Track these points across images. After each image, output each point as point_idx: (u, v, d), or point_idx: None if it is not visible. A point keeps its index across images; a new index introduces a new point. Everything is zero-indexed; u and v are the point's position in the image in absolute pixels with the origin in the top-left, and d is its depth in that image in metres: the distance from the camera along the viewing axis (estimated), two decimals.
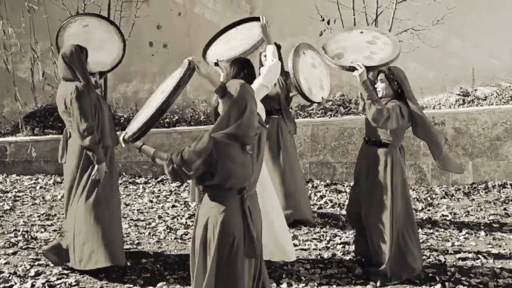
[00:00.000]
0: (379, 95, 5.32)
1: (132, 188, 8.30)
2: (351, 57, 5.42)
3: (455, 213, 7.55)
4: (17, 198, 7.79)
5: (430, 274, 5.57)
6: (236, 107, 3.76)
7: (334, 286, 5.30)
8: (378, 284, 5.33)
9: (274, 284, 5.27)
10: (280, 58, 6.45)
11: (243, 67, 4.94)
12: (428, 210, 7.72)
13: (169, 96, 4.00)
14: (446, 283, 5.36)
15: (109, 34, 6.04)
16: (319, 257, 5.97)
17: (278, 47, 6.45)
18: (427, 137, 5.32)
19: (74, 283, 5.19)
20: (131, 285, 5.20)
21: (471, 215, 7.51)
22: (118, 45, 6.05)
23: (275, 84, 6.19)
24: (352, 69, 5.30)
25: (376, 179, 5.37)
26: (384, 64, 5.34)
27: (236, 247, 3.86)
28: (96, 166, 5.31)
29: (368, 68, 5.32)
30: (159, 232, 6.56)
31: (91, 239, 5.29)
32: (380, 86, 5.31)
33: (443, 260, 5.94)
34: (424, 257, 6.00)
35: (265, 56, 6.35)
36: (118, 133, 5.51)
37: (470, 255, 6.07)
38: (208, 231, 3.86)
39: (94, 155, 5.29)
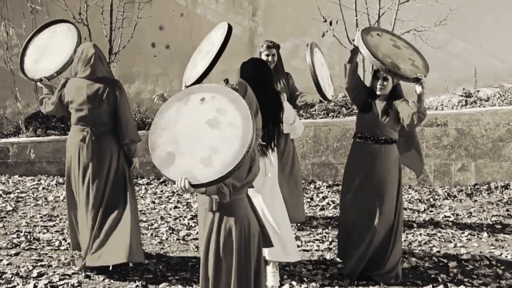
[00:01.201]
0: (381, 92, 5.33)
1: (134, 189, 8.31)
2: (403, 66, 5.18)
3: (457, 214, 7.55)
4: (20, 199, 7.79)
5: (433, 275, 5.57)
6: (250, 104, 3.84)
7: (336, 287, 5.29)
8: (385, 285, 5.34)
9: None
10: (279, 59, 6.48)
11: (252, 70, 5.07)
12: (431, 211, 7.72)
13: (249, 147, 3.50)
14: (449, 284, 5.36)
15: (66, 40, 5.88)
16: (321, 258, 5.97)
17: (277, 47, 6.48)
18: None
19: (76, 284, 5.19)
20: (133, 286, 5.20)
21: (473, 216, 7.50)
22: (67, 51, 5.82)
23: (277, 85, 6.24)
24: (416, 80, 5.10)
25: (389, 177, 5.39)
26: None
27: (260, 241, 3.98)
28: (134, 160, 5.67)
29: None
30: (161, 233, 6.56)
31: (134, 232, 5.48)
32: (385, 83, 5.32)
33: (445, 261, 5.94)
34: (426, 258, 6.00)
35: (266, 55, 6.35)
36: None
37: (472, 256, 6.07)
38: (237, 234, 3.84)
39: (135, 149, 5.64)
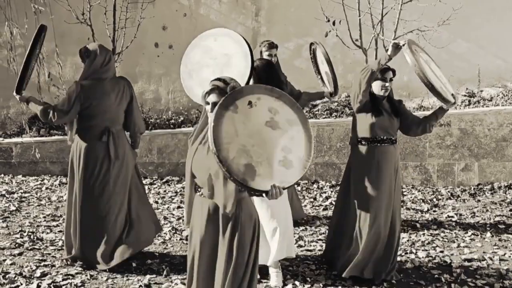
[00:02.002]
0: (387, 94, 5.36)
1: None
2: (444, 88, 5.28)
3: (460, 214, 7.54)
4: (23, 199, 7.80)
5: (436, 275, 5.56)
6: None
7: (340, 287, 5.29)
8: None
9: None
10: (277, 59, 6.52)
11: (265, 71, 5.31)
12: (434, 211, 7.71)
13: None
14: (452, 284, 5.35)
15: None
16: (324, 258, 5.97)
17: (276, 46, 6.49)
18: None
19: (79, 284, 5.20)
20: (136, 286, 5.21)
21: (477, 216, 7.49)
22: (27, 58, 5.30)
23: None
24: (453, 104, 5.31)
25: (398, 177, 5.44)
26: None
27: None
28: (136, 151, 5.88)
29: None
30: (164, 233, 6.56)
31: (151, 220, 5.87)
32: (391, 84, 5.35)
33: (448, 261, 5.93)
34: (430, 258, 5.99)
35: (268, 55, 6.38)
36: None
37: (475, 256, 6.06)
38: (256, 230, 3.88)
39: (139, 141, 5.86)
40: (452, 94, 5.21)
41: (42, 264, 5.61)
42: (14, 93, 5.35)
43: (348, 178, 5.54)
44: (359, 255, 5.26)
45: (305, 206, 7.78)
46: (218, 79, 3.69)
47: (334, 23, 8.70)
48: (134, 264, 5.62)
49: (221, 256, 3.82)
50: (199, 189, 3.84)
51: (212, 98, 3.64)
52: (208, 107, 3.67)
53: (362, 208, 5.30)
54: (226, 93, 3.60)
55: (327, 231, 6.76)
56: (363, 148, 5.41)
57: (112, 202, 5.53)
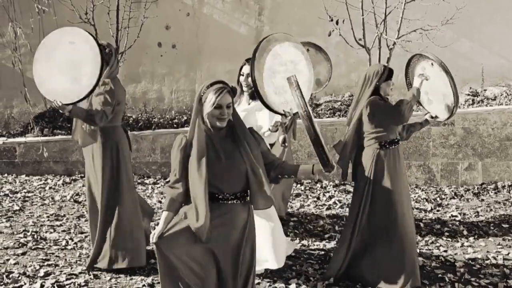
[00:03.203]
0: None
1: (141, 189, 8.32)
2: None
3: (464, 214, 7.53)
4: (27, 199, 7.81)
5: (439, 275, 5.55)
6: None
7: (343, 286, 5.29)
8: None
9: (283, 285, 5.26)
10: None
11: None
12: (438, 210, 7.70)
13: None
14: (456, 284, 5.34)
15: (93, 65, 5.10)
16: (327, 257, 5.96)
17: None
18: None
19: (83, 284, 5.20)
20: (140, 285, 5.21)
21: (480, 215, 7.48)
22: (90, 78, 5.10)
23: None
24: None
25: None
26: None
27: None
28: None
29: None
30: None
31: None
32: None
33: (452, 260, 5.92)
34: (433, 257, 5.99)
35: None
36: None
37: (479, 256, 6.06)
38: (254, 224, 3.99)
39: None
40: (452, 110, 5.33)
41: (45, 263, 5.62)
42: (63, 103, 5.05)
43: (369, 186, 5.25)
44: (410, 267, 5.15)
45: (309, 205, 7.78)
46: (219, 82, 3.73)
47: (337, 22, 8.69)
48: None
49: (243, 258, 3.85)
50: (222, 197, 3.77)
51: (227, 99, 3.69)
52: (225, 110, 3.66)
53: (397, 213, 5.18)
54: (234, 94, 3.72)
55: (330, 231, 6.76)
56: (387, 151, 5.25)
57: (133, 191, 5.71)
